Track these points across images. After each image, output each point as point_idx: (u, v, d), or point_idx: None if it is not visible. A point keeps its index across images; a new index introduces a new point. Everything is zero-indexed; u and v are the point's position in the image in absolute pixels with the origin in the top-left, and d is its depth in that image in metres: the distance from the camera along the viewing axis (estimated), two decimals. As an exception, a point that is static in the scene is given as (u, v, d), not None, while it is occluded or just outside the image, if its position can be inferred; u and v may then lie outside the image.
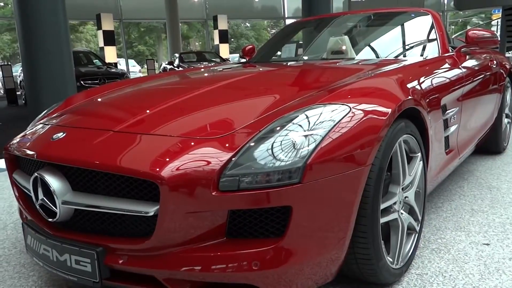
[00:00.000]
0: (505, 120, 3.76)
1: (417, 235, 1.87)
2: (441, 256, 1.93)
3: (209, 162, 1.31)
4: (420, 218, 1.89)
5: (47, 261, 1.54)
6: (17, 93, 12.22)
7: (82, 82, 9.53)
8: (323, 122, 1.42)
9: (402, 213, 1.74)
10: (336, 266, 1.49)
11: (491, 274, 1.77)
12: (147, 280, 1.42)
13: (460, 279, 1.74)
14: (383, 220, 1.60)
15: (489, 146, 3.58)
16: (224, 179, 1.29)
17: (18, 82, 12.68)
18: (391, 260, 1.66)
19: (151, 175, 1.29)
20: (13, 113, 9.70)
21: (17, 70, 13.58)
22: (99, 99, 2.17)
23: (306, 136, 1.37)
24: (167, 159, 1.33)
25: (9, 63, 12.10)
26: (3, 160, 4.32)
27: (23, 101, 11.42)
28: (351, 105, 1.52)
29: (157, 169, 1.30)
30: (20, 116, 8.79)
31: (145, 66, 18.70)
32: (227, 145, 1.36)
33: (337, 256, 1.46)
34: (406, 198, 1.78)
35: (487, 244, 2.03)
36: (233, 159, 1.32)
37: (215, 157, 1.33)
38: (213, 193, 1.28)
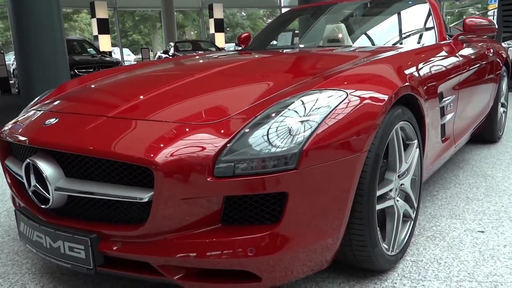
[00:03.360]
0: (501, 109, 3.76)
1: (412, 222, 1.87)
2: (436, 243, 1.94)
3: (204, 148, 1.29)
4: (415, 205, 1.89)
5: (41, 248, 1.53)
6: (10, 82, 12.09)
7: (76, 70, 9.43)
8: (319, 108, 1.41)
9: (398, 200, 1.73)
10: (332, 252, 1.48)
11: (485, 261, 1.77)
12: (142, 267, 1.41)
13: (455, 266, 1.74)
14: (379, 207, 1.60)
15: (484, 135, 3.58)
16: (219, 165, 1.28)
17: (11, 70, 12.54)
18: (386, 247, 1.65)
19: (146, 160, 1.27)
20: (6, 102, 9.61)
21: (10, 59, 13.44)
22: (93, 86, 2.14)
23: (302, 122, 1.35)
24: (162, 145, 1.31)
25: (2, 52, 11.94)
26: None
27: (17, 90, 11.31)
28: (348, 91, 1.50)
29: (152, 155, 1.28)
30: (13, 105, 8.69)
31: (140, 55, 18.56)
32: (222, 131, 1.34)
33: (333, 242, 1.46)
34: (402, 185, 1.78)
35: (482, 232, 2.04)
36: (228, 145, 1.30)
37: (210, 143, 1.31)
38: (208, 179, 1.27)
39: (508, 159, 3.22)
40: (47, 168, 1.44)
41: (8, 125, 1.82)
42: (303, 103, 1.43)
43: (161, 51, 16.09)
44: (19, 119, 1.85)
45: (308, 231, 1.38)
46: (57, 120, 1.60)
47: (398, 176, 1.73)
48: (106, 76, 2.31)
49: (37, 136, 1.55)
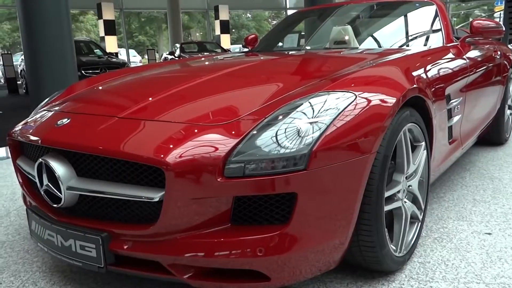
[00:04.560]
0: (508, 112, 3.76)
1: (419, 224, 1.88)
2: (444, 245, 1.94)
3: (214, 149, 1.31)
4: (423, 207, 1.90)
5: (52, 246, 1.55)
6: (18, 82, 12.19)
7: (83, 71, 9.49)
8: (327, 110, 1.42)
9: (405, 202, 1.74)
10: (340, 253, 1.49)
11: (493, 263, 1.78)
12: (151, 266, 1.43)
13: (463, 268, 1.75)
14: (387, 208, 1.60)
15: (491, 137, 3.58)
16: (230, 165, 1.29)
17: (19, 71, 12.65)
18: (394, 248, 1.66)
19: (157, 161, 1.29)
20: (14, 102, 9.69)
21: (18, 59, 13.54)
22: (102, 87, 2.17)
23: (311, 123, 1.37)
24: (173, 145, 1.33)
25: (10, 52, 12.06)
26: (3, 149, 4.34)
27: (24, 90, 11.41)
28: (356, 93, 1.51)
29: (163, 155, 1.30)
30: (21, 105, 8.78)
31: (146, 56, 18.64)
32: (232, 132, 1.36)
33: (341, 243, 1.47)
34: (410, 187, 1.79)
35: (489, 234, 2.04)
36: (238, 145, 1.32)
37: (221, 143, 1.32)
38: (219, 179, 1.28)
39: (515, 162, 3.22)
40: (59, 168, 1.46)
41: (19, 125, 1.85)
42: (311, 105, 1.44)
43: (167, 52, 16.14)
44: (31, 119, 1.88)
45: (316, 231, 1.39)
46: (69, 120, 1.63)
47: (406, 178, 1.74)
48: (115, 78, 2.33)
49: (50, 136, 1.57)
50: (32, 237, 1.69)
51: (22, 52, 11.67)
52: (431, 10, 2.87)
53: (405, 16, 3.07)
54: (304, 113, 1.41)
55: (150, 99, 1.70)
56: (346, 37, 2.92)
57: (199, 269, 1.40)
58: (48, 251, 1.59)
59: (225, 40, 19.19)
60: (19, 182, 1.83)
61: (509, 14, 10.98)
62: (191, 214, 1.33)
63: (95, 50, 11.51)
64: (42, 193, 1.56)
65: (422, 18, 2.94)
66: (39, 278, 1.79)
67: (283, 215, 1.35)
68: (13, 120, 2.05)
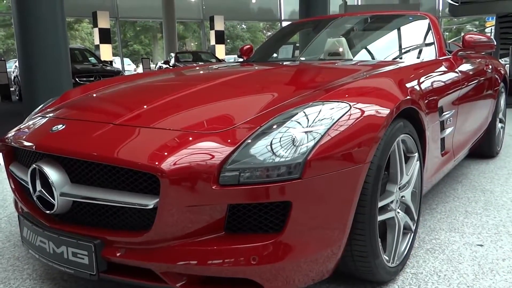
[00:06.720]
0: (499, 125, 3.80)
1: (412, 234, 1.89)
2: (436, 256, 1.95)
3: (209, 156, 1.31)
4: (415, 218, 1.91)
5: (43, 253, 1.53)
6: (11, 89, 12.12)
7: (77, 79, 9.47)
8: (322, 119, 1.43)
9: (398, 212, 1.75)
10: (333, 263, 1.49)
11: (485, 274, 1.79)
12: (144, 273, 1.42)
13: (455, 279, 1.75)
14: (380, 218, 1.61)
15: (482, 150, 3.62)
16: (225, 173, 1.29)
17: (12, 78, 12.59)
18: (387, 258, 1.67)
19: (152, 168, 1.29)
20: (7, 109, 9.63)
21: (11, 66, 13.48)
22: (98, 94, 2.17)
23: (306, 133, 1.38)
24: (168, 152, 1.33)
25: (3, 59, 12.01)
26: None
27: (17, 97, 11.35)
28: (350, 103, 1.53)
29: (158, 162, 1.30)
30: (14, 112, 8.72)
31: (140, 65, 18.66)
32: (228, 140, 1.37)
33: (334, 252, 1.47)
34: (403, 198, 1.80)
35: (481, 245, 2.05)
36: (233, 153, 1.32)
37: (216, 151, 1.33)
38: (213, 187, 1.29)
39: (506, 174, 3.25)
40: (53, 174, 1.46)
41: (13, 131, 1.84)
42: (306, 115, 1.45)
43: (162, 61, 16.17)
44: (25, 125, 1.87)
45: (310, 240, 1.39)
46: (64, 126, 1.62)
47: (399, 188, 1.75)
48: (111, 85, 2.33)
49: (45, 142, 1.56)
50: (24, 243, 1.67)
51: (15, 59, 11.65)
52: (424, 23, 2.91)
53: (399, 29, 3.12)
54: (299, 123, 1.42)
55: (146, 106, 1.70)
56: (340, 49, 2.95)
57: (192, 277, 1.40)
58: (39, 258, 1.57)
59: (220, 50, 19.27)
60: (12, 188, 1.82)
61: (500, 29, 11.18)
62: (185, 221, 1.33)
63: (89, 58, 11.49)
64: (35, 199, 1.55)
65: (415, 31, 2.99)
66: (29, 286, 1.77)
67: (277, 224, 1.35)
68: (6, 126, 2.04)
